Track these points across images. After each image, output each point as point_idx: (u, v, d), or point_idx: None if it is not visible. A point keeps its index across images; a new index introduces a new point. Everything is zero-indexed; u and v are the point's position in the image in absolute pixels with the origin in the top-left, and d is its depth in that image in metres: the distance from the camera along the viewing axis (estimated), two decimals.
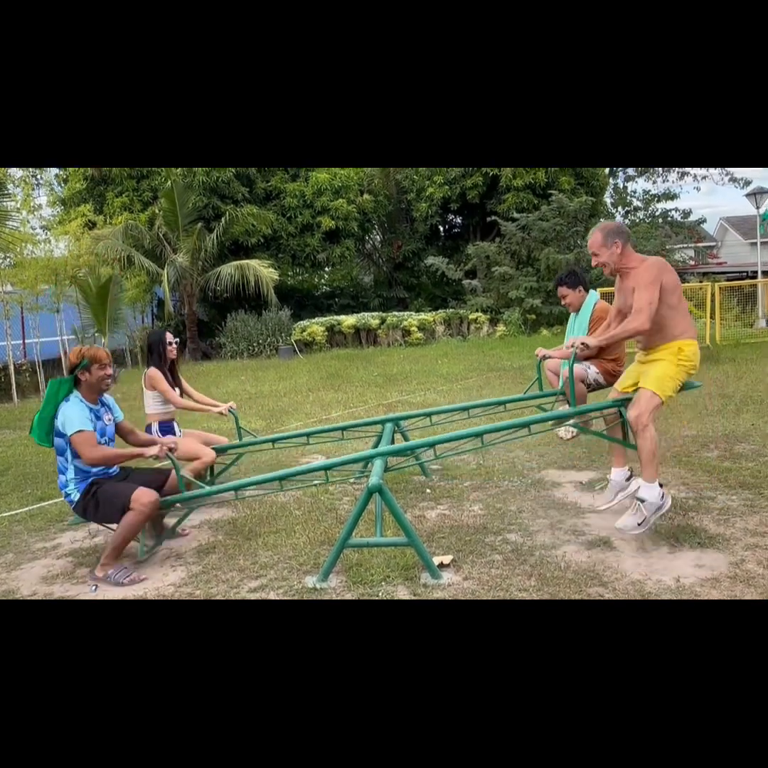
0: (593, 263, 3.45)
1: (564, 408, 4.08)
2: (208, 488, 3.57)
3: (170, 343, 4.56)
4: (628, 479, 3.63)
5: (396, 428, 4.51)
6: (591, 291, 4.39)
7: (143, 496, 3.24)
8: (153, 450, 3.44)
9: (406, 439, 4.63)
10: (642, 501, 3.14)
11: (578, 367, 4.13)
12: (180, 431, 4.55)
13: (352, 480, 4.75)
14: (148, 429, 4.40)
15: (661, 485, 3.23)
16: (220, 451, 4.48)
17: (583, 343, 3.46)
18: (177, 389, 4.54)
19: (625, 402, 3.45)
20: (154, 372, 4.44)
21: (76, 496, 3.36)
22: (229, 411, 4.59)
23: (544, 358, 4.36)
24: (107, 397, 3.58)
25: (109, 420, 3.55)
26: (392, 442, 4.31)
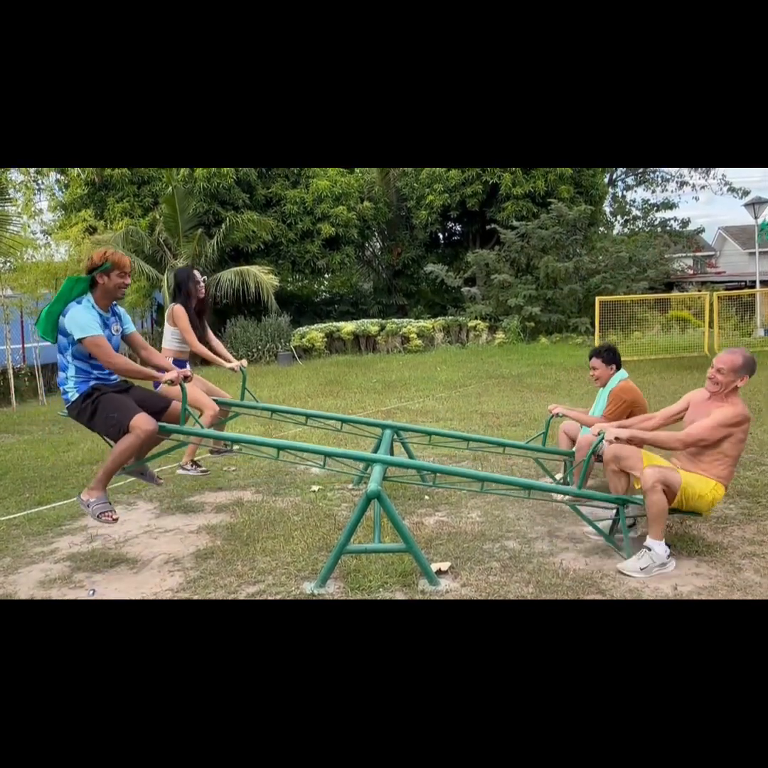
0: (710, 375, 3.32)
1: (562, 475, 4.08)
2: (206, 430, 3.55)
3: (197, 282, 4.57)
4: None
5: (396, 437, 4.52)
6: (619, 370, 4.25)
7: (144, 423, 3.16)
8: (169, 375, 3.37)
9: (405, 448, 4.64)
10: (649, 549, 3.12)
11: (592, 438, 3.97)
12: (192, 372, 4.60)
13: (350, 486, 4.76)
14: None
15: (668, 545, 3.17)
16: (220, 404, 4.53)
17: (615, 438, 3.26)
18: (198, 333, 4.56)
19: (626, 501, 3.34)
20: (178, 309, 4.47)
21: (74, 395, 3.30)
22: (240, 369, 4.69)
23: (557, 415, 4.26)
24: (118, 308, 3.50)
25: (117, 330, 3.46)
26: (391, 449, 4.32)
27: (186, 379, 3.47)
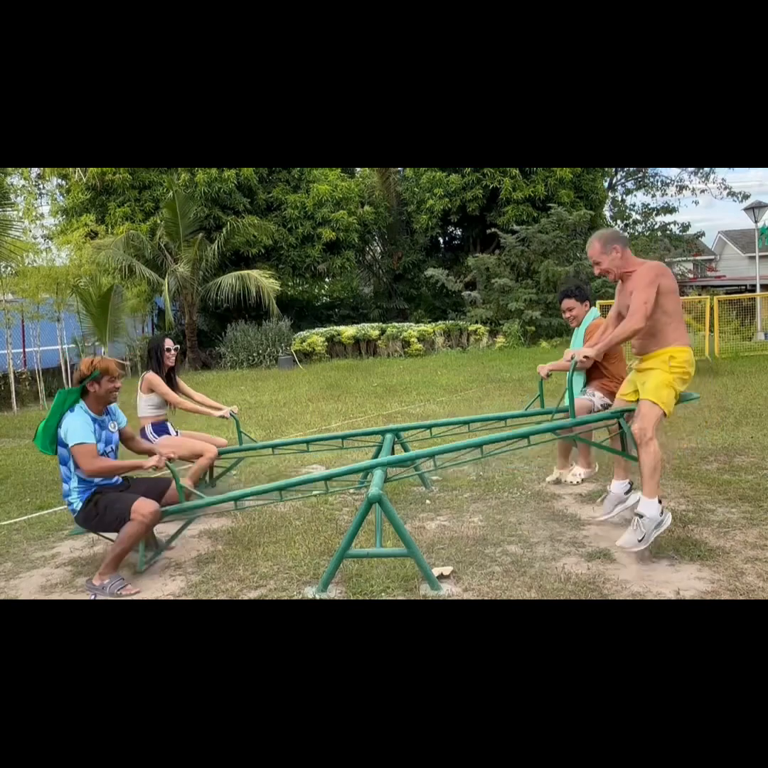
0: (596, 272, 3.48)
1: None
2: (207, 498, 3.57)
3: (168, 350, 4.61)
4: (627, 492, 3.63)
5: (396, 439, 4.52)
6: (592, 307, 4.41)
7: (143, 507, 3.24)
8: (151, 461, 3.43)
9: (406, 450, 4.63)
10: (641, 517, 3.12)
11: (584, 398, 4.12)
12: (175, 431, 4.59)
13: (352, 490, 4.75)
14: (142, 432, 4.42)
15: (660, 501, 3.21)
16: (221, 453, 4.51)
17: (584, 356, 3.46)
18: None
19: (624, 413, 3.44)
20: (152, 376, 4.50)
21: (78, 504, 3.37)
22: (231, 415, 4.64)
23: (548, 376, 4.37)
24: (112, 406, 3.58)
25: (114, 427, 3.56)
26: (392, 453, 4.31)
27: (170, 460, 3.50)
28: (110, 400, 3.47)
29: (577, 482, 4.14)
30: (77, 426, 3.29)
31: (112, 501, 3.33)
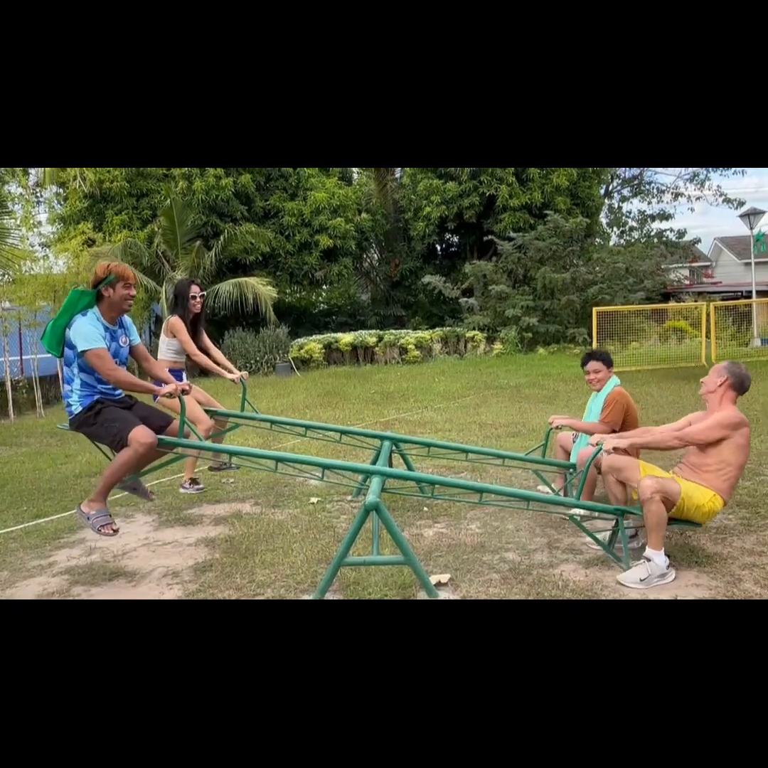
0: (701, 391, 3.51)
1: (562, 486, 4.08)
2: (205, 443, 3.56)
3: (194, 297, 4.61)
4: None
5: (394, 449, 4.52)
6: (613, 376, 4.30)
7: (142, 436, 3.17)
8: (167, 389, 3.39)
9: (405, 460, 4.64)
10: (648, 560, 3.12)
11: (591, 450, 4.00)
12: (188, 382, 4.62)
13: (349, 498, 4.75)
14: None
15: (668, 556, 3.17)
16: (220, 415, 4.55)
17: (613, 448, 3.30)
18: (195, 343, 4.63)
19: (625, 512, 3.34)
20: (175, 320, 4.53)
21: (77, 408, 3.32)
22: (240, 380, 4.74)
23: (558, 428, 4.27)
24: (126, 319, 3.51)
25: (125, 342, 3.48)
26: (390, 460, 4.31)
27: (184, 392, 3.47)
28: (124, 307, 3.38)
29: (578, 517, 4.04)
30: (88, 330, 3.20)
31: (112, 417, 3.27)
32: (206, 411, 4.50)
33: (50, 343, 3.35)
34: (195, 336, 4.65)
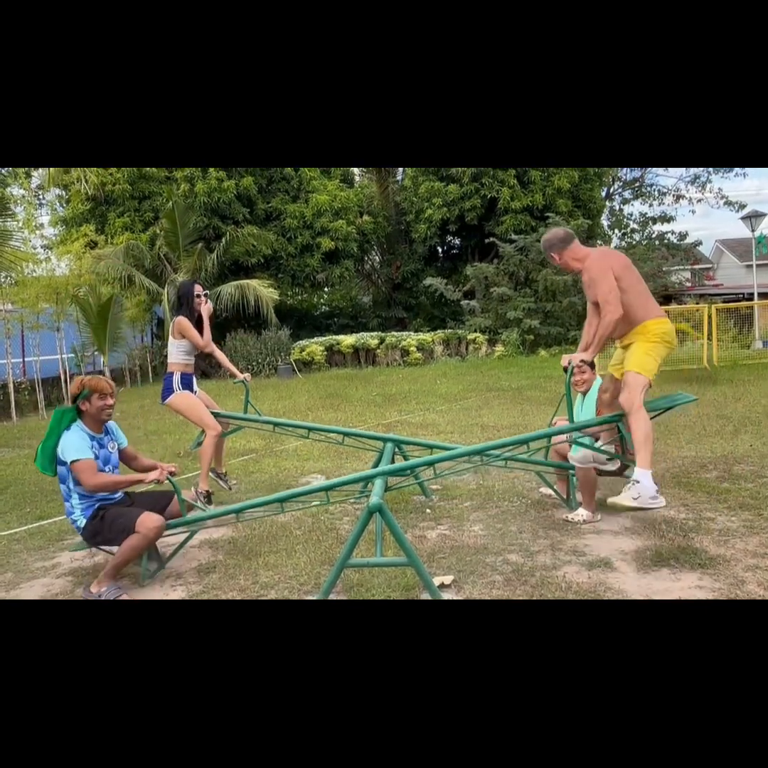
0: (555, 263, 3.71)
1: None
2: (209, 511, 3.61)
3: (198, 296, 4.64)
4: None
5: (397, 450, 4.53)
6: (596, 376, 4.32)
7: (148, 521, 3.24)
8: (153, 476, 3.43)
9: (406, 460, 4.64)
10: (637, 481, 3.12)
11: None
12: (198, 387, 4.64)
13: (352, 500, 4.76)
14: (169, 378, 4.48)
15: (657, 485, 3.21)
16: (224, 417, 4.57)
17: (581, 360, 3.53)
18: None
19: (622, 417, 3.45)
20: (181, 319, 4.57)
21: (82, 521, 3.38)
22: (243, 382, 4.81)
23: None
24: (111, 424, 3.60)
25: (113, 447, 3.57)
26: (392, 462, 4.32)
27: (172, 474, 3.50)
28: (103, 418, 3.47)
29: (579, 521, 4.06)
30: (73, 442, 3.31)
31: (117, 515, 3.34)
32: (211, 412, 4.52)
33: (43, 464, 3.44)
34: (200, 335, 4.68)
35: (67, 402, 3.53)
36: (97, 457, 3.39)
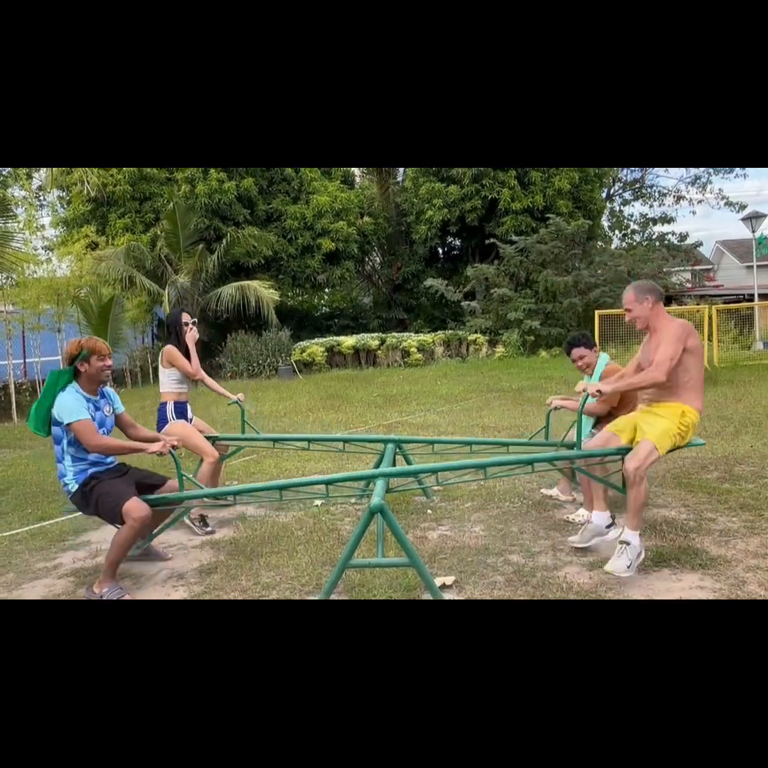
0: (627, 318, 3.54)
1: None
2: (207, 490, 3.58)
3: (186, 324, 4.64)
4: (608, 526, 3.59)
5: (398, 450, 4.53)
6: (602, 353, 4.37)
7: (135, 510, 3.20)
8: (155, 447, 3.43)
9: (407, 461, 4.65)
10: (627, 544, 3.16)
11: (594, 442, 4.02)
12: (192, 415, 4.63)
13: (353, 500, 4.76)
14: (163, 408, 4.46)
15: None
16: (223, 440, 4.57)
17: (597, 390, 3.42)
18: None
19: (627, 451, 3.37)
20: (170, 348, 4.54)
21: (73, 486, 3.36)
22: (237, 402, 4.79)
23: (556, 408, 4.34)
24: (108, 389, 3.57)
25: (109, 412, 3.53)
26: (393, 462, 4.32)
27: (174, 447, 3.50)
28: (102, 379, 3.45)
29: (581, 522, 4.07)
30: (70, 403, 3.27)
31: (106, 492, 3.31)
32: (208, 438, 4.49)
33: (36, 424, 3.43)
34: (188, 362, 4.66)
35: (63, 365, 3.46)
36: (93, 420, 3.35)
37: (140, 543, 3.63)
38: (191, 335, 4.64)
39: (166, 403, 4.47)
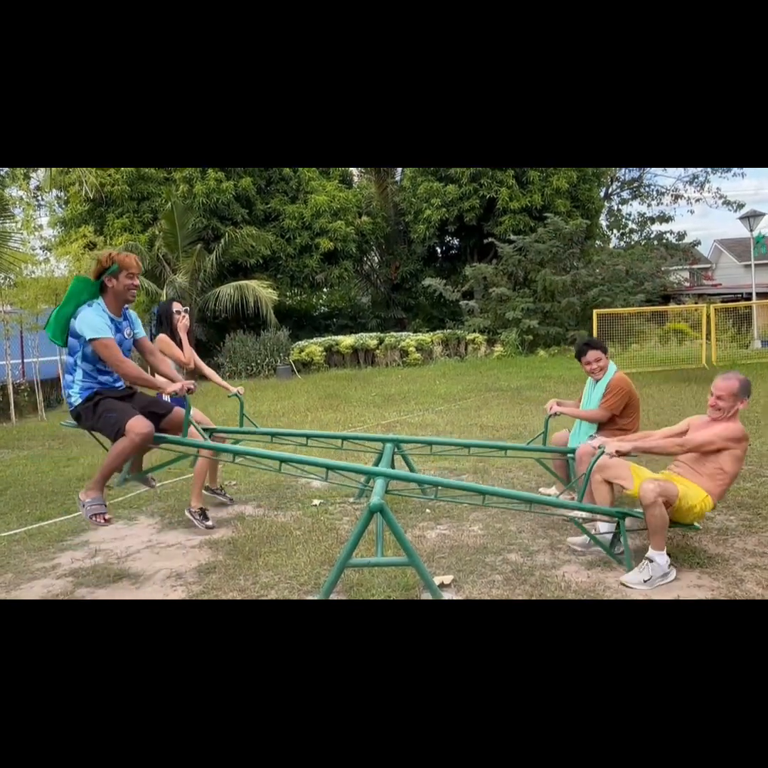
0: (711, 403, 3.41)
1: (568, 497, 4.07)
2: (208, 442, 3.56)
3: (178, 312, 4.62)
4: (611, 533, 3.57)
5: (396, 450, 4.53)
6: (610, 361, 4.31)
7: (138, 426, 3.17)
8: (174, 387, 3.40)
9: (406, 460, 4.65)
10: (651, 561, 3.14)
11: (592, 450, 3.92)
12: (195, 384, 4.62)
13: (351, 500, 4.76)
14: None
15: (669, 555, 3.19)
16: (220, 432, 4.57)
17: (616, 451, 3.29)
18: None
19: (627, 514, 3.34)
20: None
21: (77, 400, 3.33)
22: (237, 395, 4.77)
23: (555, 414, 4.29)
24: (130, 312, 3.52)
25: (129, 334, 3.48)
26: (392, 462, 4.32)
27: (189, 391, 3.47)
28: (128, 298, 3.37)
29: (578, 520, 4.03)
30: (93, 320, 3.20)
31: (110, 408, 3.27)
32: (205, 429, 4.47)
33: (54, 332, 3.33)
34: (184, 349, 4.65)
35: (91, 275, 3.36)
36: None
37: (131, 477, 3.57)
38: (183, 323, 4.63)
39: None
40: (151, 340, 4.15)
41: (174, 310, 4.63)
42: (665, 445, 3.35)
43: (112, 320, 3.31)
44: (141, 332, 3.57)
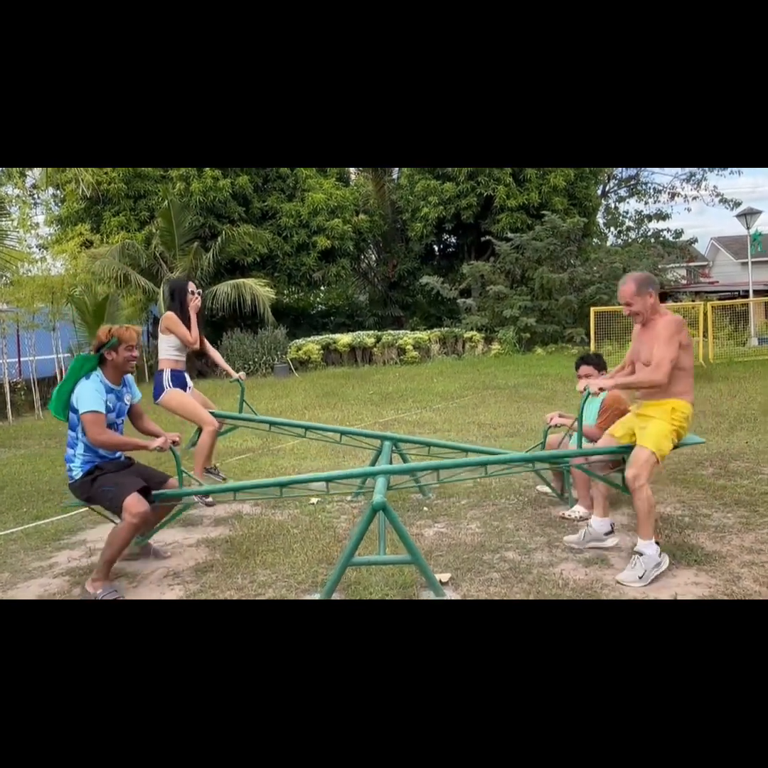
0: (626, 312, 3.43)
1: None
2: (206, 487, 3.58)
3: (192, 292, 4.59)
4: (607, 533, 3.58)
5: (394, 449, 4.53)
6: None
7: (134, 506, 3.19)
8: (157, 443, 3.42)
9: (404, 460, 4.65)
10: (640, 555, 3.13)
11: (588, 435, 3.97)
12: (191, 383, 4.60)
13: (349, 498, 4.76)
14: (160, 375, 4.44)
15: (657, 543, 3.19)
16: (219, 417, 4.56)
17: (599, 388, 3.37)
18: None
19: (630, 449, 3.34)
20: (169, 315, 4.49)
21: (77, 473, 3.35)
22: (238, 381, 4.81)
23: (555, 425, 4.29)
24: (128, 377, 3.56)
25: (129, 400, 3.54)
26: (390, 461, 4.32)
27: (174, 443, 3.48)
28: (127, 369, 3.44)
29: (576, 518, 4.04)
30: (89, 393, 3.26)
31: (108, 483, 3.30)
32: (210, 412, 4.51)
33: (56, 408, 3.41)
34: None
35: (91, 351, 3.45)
36: (111, 410, 3.35)
37: (139, 539, 3.61)
38: (195, 304, 4.60)
39: (163, 371, 4.44)
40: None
41: (189, 289, 4.61)
42: (645, 379, 3.31)
43: (110, 390, 3.38)
44: (137, 395, 3.63)
